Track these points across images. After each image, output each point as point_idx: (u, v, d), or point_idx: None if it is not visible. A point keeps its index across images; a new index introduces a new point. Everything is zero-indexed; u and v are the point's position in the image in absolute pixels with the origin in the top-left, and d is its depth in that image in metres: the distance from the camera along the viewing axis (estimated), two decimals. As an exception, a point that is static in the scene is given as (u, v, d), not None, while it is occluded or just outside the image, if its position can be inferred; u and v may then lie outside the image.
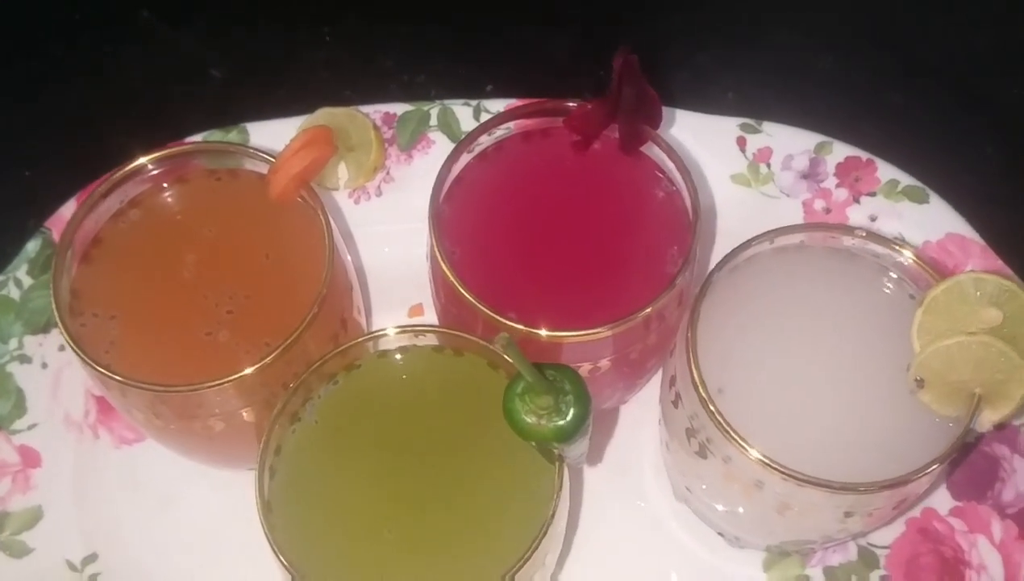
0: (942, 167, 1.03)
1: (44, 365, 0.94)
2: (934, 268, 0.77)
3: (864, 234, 0.79)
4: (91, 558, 0.89)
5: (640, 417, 0.94)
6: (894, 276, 0.80)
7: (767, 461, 0.71)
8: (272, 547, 0.70)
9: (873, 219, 0.99)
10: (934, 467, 0.71)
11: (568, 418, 0.64)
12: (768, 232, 0.79)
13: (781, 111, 1.04)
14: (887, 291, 0.80)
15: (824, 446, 0.74)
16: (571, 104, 0.84)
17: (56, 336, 0.94)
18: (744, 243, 0.79)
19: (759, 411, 0.74)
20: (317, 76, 1.19)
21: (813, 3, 1.25)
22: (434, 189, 0.82)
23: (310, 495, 0.75)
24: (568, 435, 0.65)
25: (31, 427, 0.92)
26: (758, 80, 1.17)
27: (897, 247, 0.78)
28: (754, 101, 1.12)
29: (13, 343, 0.94)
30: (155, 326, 0.80)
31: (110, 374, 0.75)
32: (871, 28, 1.23)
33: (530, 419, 0.64)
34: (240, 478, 0.87)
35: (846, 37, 1.22)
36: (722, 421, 0.72)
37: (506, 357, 0.63)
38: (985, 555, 0.87)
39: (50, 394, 0.94)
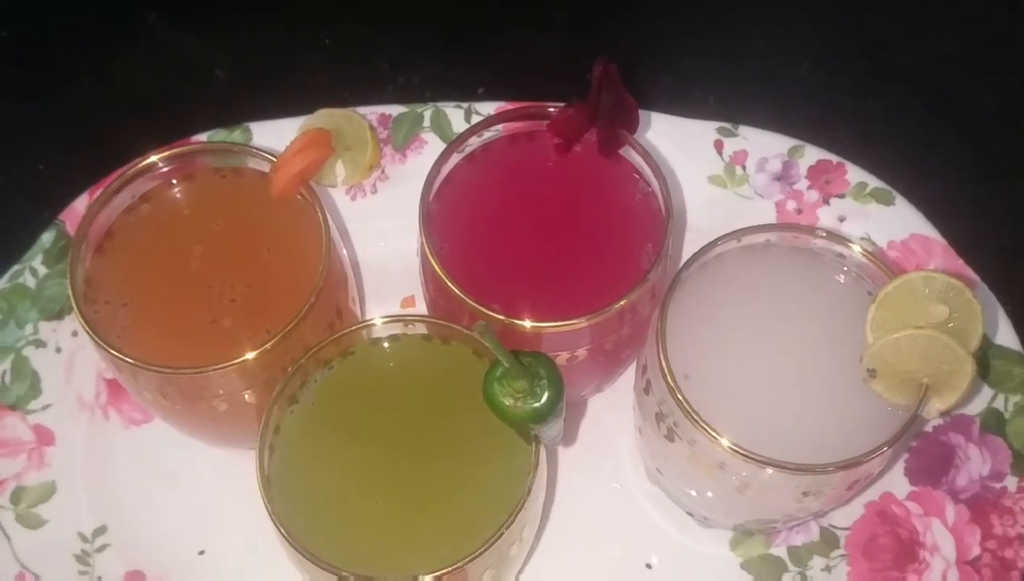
0: (911, 170, 1.07)
1: (58, 349, 0.99)
2: (889, 267, 0.82)
3: (825, 234, 0.84)
4: (101, 530, 0.93)
5: (616, 405, 0.98)
6: (853, 274, 0.84)
7: (729, 445, 0.76)
8: (271, 518, 0.75)
9: (842, 220, 1.03)
10: (884, 450, 0.76)
11: (542, 401, 0.69)
12: (735, 231, 0.84)
13: (759, 115, 1.08)
14: (846, 287, 0.84)
15: (783, 431, 0.79)
16: (553, 109, 0.88)
17: (69, 322, 0.99)
18: (712, 242, 0.83)
19: (723, 398, 0.79)
20: (317, 78, 1.23)
21: (791, 14, 1.29)
22: (424, 188, 0.86)
23: (306, 471, 0.80)
24: (543, 416, 0.70)
25: (45, 407, 0.97)
26: (738, 86, 1.21)
27: (855, 246, 0.83)
28: (734, 105, 1.17)
29: (29, 328, 0.99)
30: (163, 313, 0.85)
31: (123, 357, 0.80)
32: (845, 37, 1.27)
33: (508, 401, 0.69)
34: (241, 457, 0.92)
35: (821, 46, 1.26)
36: (688, 407, 0.77)
37: (484, 343, 0.68)
38: (939, 537, 0.92)
39: (63, 377, 0.98)
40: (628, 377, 0.96)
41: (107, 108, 1.22)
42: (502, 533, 0.74)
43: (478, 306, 0.81)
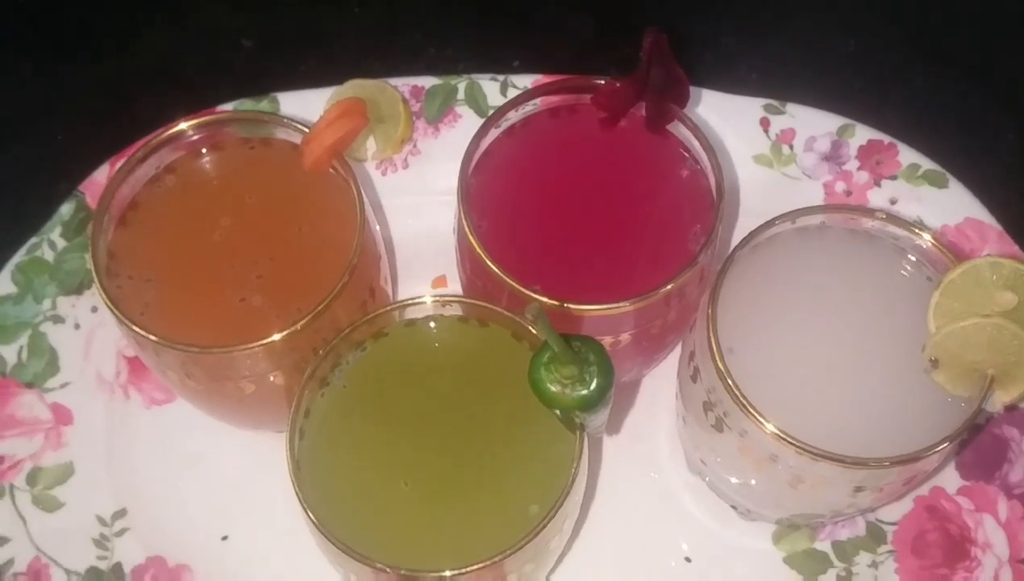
0: (963, 152, 1.03)
1: (77, 326, 0.96)
2: (952, 252, 0.78)
3: (884, 217, 0.80)
4: (120, 513, 0.91)
5: (657, 391, 0.95)
6: (912, 258, 0.81)
7: (782, 435, 0.72)
8: (302, 505, 0.72)
9: (893, 202, 1.00)
10: (944, 445, 0.73)
11: (591, 388, 0.66)
12: (790, 212, 0.80)
13: (804, 93, 1.05)
14: (905, 273, 0.81)
15: (838, 422, 0.76)
16: (599, 81, 0.84)
17: (89, 297, 0.96)
18: (766, 222, 0.80)
19: (776, 386, 0.76)
20: (346, 48, 1.20)
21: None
22: (463, 163, 0.83)
23: (336, 455, 0.77)
24: (591, 404, 0.67)
25: (63, 386, 0.94)
26: (782, 62, 1.18)
27: (916, 230, 0.79)
28: (777, 83, 1.13)
29: (47, 303, 0.96)
30: (189, 290, 0.82)
31: (146, 334, 0.77)
32: (895, 12, 1.23)
33: (555, 388, 0.66)
34: (267, 440, 0.90)
35: (870, 21, 1.22)
36: (739, 395, 0.74)
37: (533, 328, 0.65)
38: (991, 533, 0.89)
39: (82, 354, 0.95)
40: (669, 361, 0.92)
41: (129, 76, 1.19)
42: (544, 526, 0.71)
43: (518, 286, 0.78)
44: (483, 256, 0.79)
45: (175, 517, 0.92)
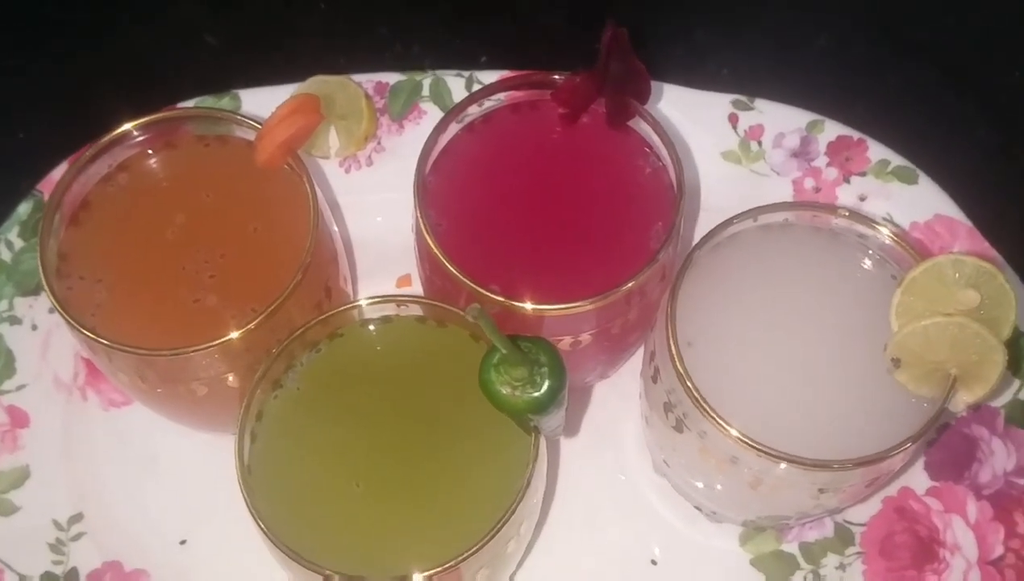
0: (933, 148, 1.02)
1: (34, 327, 0.95)
2: (916, 249, 0.77)
3: (847, 214, 0.79)
4: (77, 517, 0.90)
5: (623, 391, 0.94)
6: (877, 256, 0.80)
7: (742, 437, 0.71)
8: (251, 511, 0.71)
9: (862, 199, 0.99)
10: (907, 446, 0.72)
11: (543, 390, 0.65)
12: (751, 210, 0.79)
13: (775, 89, 1.03)
14: (869, 271, 0.80)
15: (800, 423, 0.75)
16: (559, 77, 0.83)
17: (46, 298, 0.94)
18: (727, 220, 0.79)
19: (736, 386, 0.75)
20: (311, 44, 1.19)
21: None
22: (420, 160, 0.82)
23: (290, 461, 0.75)
24: (542, 407, 0.65)
25: (20, 388, 0.93)
26: (753, 58, 1.17)
27: (879, 228, 0.78)
28: (749, 78, 1.11)
29: (3, 304, 0.95)
30: (142, 290, 0.80)
31: (95, 337, 0.76)
32: (866, 8, 1.22)
33: (505, 390, 0.65)
34: (226, 442, 0.87)
35: (842, 17, 1.21)
36: (698, 396, 0.73)
37: (482, 327, 0.63)
38: (960, 535, 0.88)
39: (39, 356, 0.94)
40: (634, 363, 0.91)
41: (93, 74, 1.18)
42: (498, 530, 0.69)
43: (476, 287, 0.77)
44: (440, 256, 0.78)
45: (133, 521, 0.90)
